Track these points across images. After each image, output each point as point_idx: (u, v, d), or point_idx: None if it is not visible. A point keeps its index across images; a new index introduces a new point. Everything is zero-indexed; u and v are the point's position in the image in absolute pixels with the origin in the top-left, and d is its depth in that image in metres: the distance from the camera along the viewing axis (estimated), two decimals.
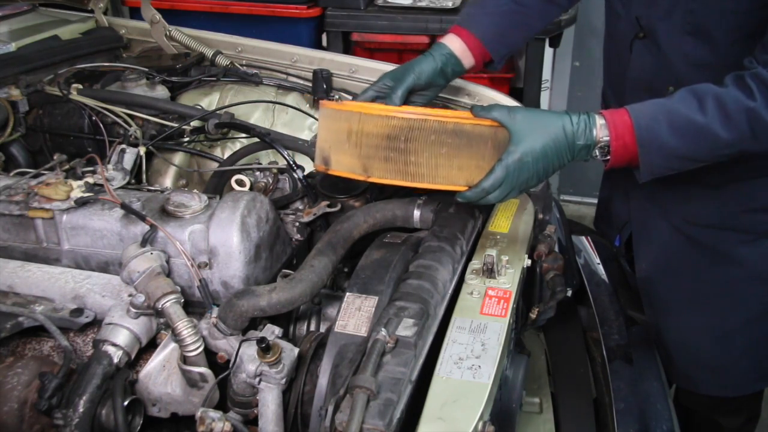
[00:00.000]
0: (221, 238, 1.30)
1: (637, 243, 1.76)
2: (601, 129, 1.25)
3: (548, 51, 3.61)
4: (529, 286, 1.51)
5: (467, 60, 1.57)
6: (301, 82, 2.06)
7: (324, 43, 3.25)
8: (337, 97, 2.00)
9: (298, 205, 1.60)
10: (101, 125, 1.79)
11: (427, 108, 1.37)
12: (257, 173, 1.63)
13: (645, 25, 1.47)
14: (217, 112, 1.80)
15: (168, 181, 1.83)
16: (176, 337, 1.19)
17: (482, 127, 1.26)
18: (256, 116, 1.92)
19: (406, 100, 1.53)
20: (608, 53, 1.72)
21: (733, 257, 1.58)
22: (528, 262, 1.36)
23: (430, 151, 1.26)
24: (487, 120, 1.25)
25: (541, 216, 1.57)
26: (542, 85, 3.50)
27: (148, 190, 1.52)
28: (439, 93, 1.62)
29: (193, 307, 1.30)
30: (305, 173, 1.60)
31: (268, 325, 1.21)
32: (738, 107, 1.21)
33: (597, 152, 1.27)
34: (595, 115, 1.27)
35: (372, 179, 1.31)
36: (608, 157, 1.27)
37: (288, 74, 2.09)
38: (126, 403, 1.13)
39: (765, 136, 1.24)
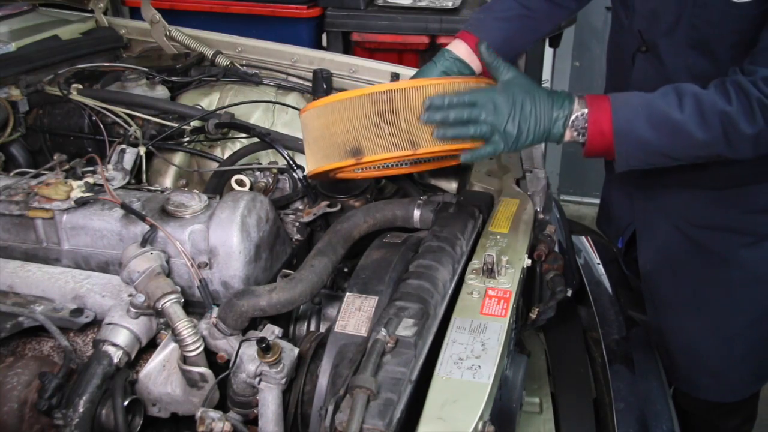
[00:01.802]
0: (221, 238, 1.30)
1: (640, 244, 1.77)
2: (579, 105, 1.29)
3: (548, 51, 3.62)
4: (529, 286, 1.51)
5: (474, 64, 1.57)
6: (301, 82, 2.07)
7: (324, 43, 3.25)
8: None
9: (298, 205, 1.60)
10: (101, 125, 1.79)
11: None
12: (257, 173, 1.64)
13: (647, 40, 1.47)
14: (217, 112, 1.80)
15: (168, 181, 1.83)
16: (176, 337, 1.19)
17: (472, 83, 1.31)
18: (256, 116, 1.92)
19: None
20: (611, 61, 1.72)
21: (735, 259, 1.58)
22: (528, 262, 1.35)
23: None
24: (483, 79, 1.32)
25: (541, 216, 1.57)
26: (542, 85, 3.50)
27: (148, 190, 1.52)
28: None
29: (193, 307, 1.30)
30: (305, 173, 1.60)
31: (268, 325, 1.21)
32: (714, 110, 1.23)
33: (574, 133, 1.29)
34: (576, 95, 1.31)
35: (366, 159, 1.29)
36: (584, 140, 1.29)
37: (288, 74, 2.10)
38: (126, 403, 1.13)
39: (738, 142, 1.25)
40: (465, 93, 1.26)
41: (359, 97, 1.28)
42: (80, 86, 1.87)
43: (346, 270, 1.52)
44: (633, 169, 1.32)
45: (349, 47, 3.22)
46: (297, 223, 1.57)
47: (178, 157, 1.84)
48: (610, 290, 1.94)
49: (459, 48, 1.56)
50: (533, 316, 1.45)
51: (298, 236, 1.57)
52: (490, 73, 1.31)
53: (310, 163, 1.40)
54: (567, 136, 1.30)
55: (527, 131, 1.27)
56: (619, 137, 1.27)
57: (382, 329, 1.07)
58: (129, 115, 1.79)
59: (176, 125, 1.78)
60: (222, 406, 1.20)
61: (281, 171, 1.63)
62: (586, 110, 1.28)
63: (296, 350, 1.18)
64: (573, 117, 1.28)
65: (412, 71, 1.98)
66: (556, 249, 1.54)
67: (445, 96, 1.25)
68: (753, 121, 1.22)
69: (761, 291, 1.61)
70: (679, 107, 1.25)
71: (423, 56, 3.22)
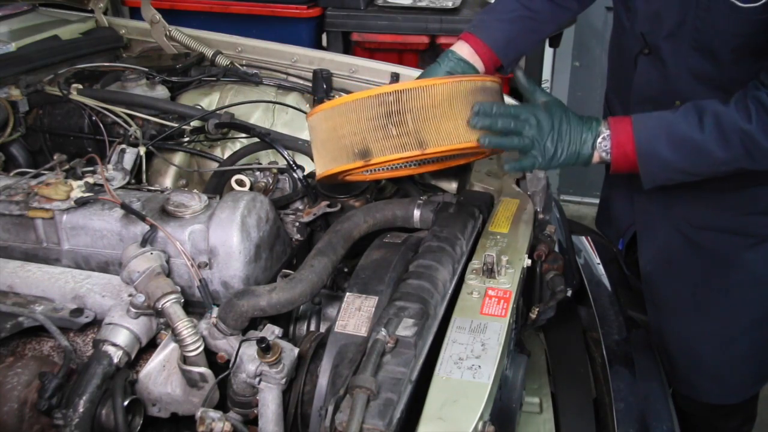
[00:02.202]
0: (221, 238, 1.30)
1: (640, 245, 1.77)
2: (604, 128, 1.33)
3: (548, 51, 3.61)
4: (529, 286, 1.51)
5: (478, 65, 1.57)
6: (301, 82, 2.07)
7: (324, 43, 3.25)
8: (336, 96, 2.00)
9: (298, 205, 1.60)
10: (101, 125, 1.79)
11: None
12: (257, 173, 1.63)
13: (650, 42, 1.47)
14: (217, 112, 1.80)
15: (168, 181, 1.83)
16: (176, 337, 1.19)
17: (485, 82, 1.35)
18: (256, 116, 1.92)
19: None
20: (613, 63, 1.72)
21: (736, 261, 1.58)
22: (528, 262, 1.35)
23: (434, 112, 1.29)
24: (489, 78, 1.36)
25: (541, 216, 1.57)
26: (542, 85, 3.49)
27: (148, 190, 1.52)
28: None
29: (193, 307, 1.30)
30: (305, 173, 1.60)
31: (268, 325, 1.21)
32: (734, 128, 1.25)
33: (603, 153, 1.34)
34: (602, 120, 1.35)
35: (374, 161, 1.30)
36: (609, 161, 1.33)
37: (288, 74, 2.10)
38: (126, 403, 1.13)
39: (761, 157, 1.27)
40: (511, 106, 1.30)
41: (366, 98, 1.28)
42: (80, 86, 1.87)
43: (346, 270, 1.52)
44: (660, 185, 1.37)
45: (349, 47, 3.22)
46: (297, 223, 1.57)
47: (178, 157, 1.84)
48: (610, 290, 1.94)
49: (462, 49, 1.56)
50: (533, 316, 1.45)
51: (298, 236, 1.57)
52: (527, 97, 1.36)
53: (319, 166, 1.40)
54: (595, 158, 1.35)
55: (562, 150, 1.32)
56: (642, 158, 1.31)
57: (382, 329, 1.07)
58: (129, 115, 1.79)
59: (176, 125, 1.78)
60: (222, 406, 1.20)
61: (281, 171, 1.63)
62: (608, 132, 1.33)
63: (296, 350, 1.18)
64: (600, 138, 1.33)
65: (412, 71, 1.98)
66: (556, 249, 1.54)
67: (493, 104, 1.29)
68: None
69: (762, 293, 1.61)
70: (700, 127, 1.27)
71: (423, 56, 3.22)
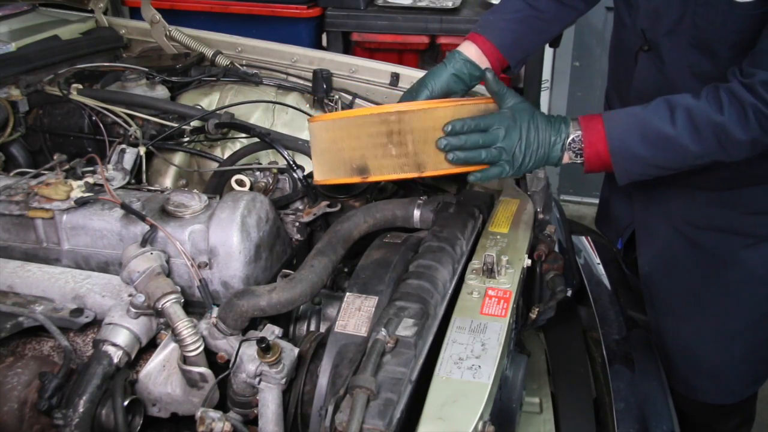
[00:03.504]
0: (221, 238, 1.30)
1: (640, 245, 1.77)
2: (573, 128, 1.33)
3: (548, 51, 3.61)
4: (529, 286, 1.51)
5: (484, 65, 1.57)
6: (301, 82, 2.07)
7: (324, 43, 3.25)
8: (336, 96, 2.00)
9: (298, 205, 1.60)
10: (101, 125, 1.79)
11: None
12: (257, 173, 1.64)
13: (650, 39, 1.47)
14: (217, 112, 1.80)
15: (168, 181, 1.83)
16: (176, 337, 1.19)
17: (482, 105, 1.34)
18: (256, 116, 1.92)
19: None
20: (614, 60, 1.72)
21: (735, 261, 1.58)
22: (528, 262, 1.35)
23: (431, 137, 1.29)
24: (491, 100, 1.36)
25: (541, 216, 1.57)
26: (542, 85, 3.50)
27: (148, 190, 1.52)
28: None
29: (193, 307, 1.30)
30: (305, 173, 1.60)
31: (268, 325, 1.21)
32: (706, 121, 1.25)
33: (572, 154, 1.33)
34: (570, 118, 1.34)
35: (371, 178, 1.31)
36: (581, 160, 1.33)
37: (288, 74, 2.10)
38: (126, 403, 1.13)
39: (733, 149, 1.27)
40: (479, 118, 1.29)
41: (368, 116, 1.29)
42: (80, 86, 1.87)
43: (346, 270, 1.52)
44: (634, 181, 1.36)
45: (349, 47, 3.22)
46: (297, 223, 1.57)
47: (178, 157, 1.84)
48: (610, 290, 1.94)
49: (469, 49, 1.56)
50: (533, 316, 1.45)
51: (298, 236, 1.57)
52: (495, 99, 1.34)
53: (317, 172, 1.41)
54: (565, 159, 1.34)
55: (530, 157, 1.32)
56: (615, 156, 1.31)
57: (382, 329, 1.07)
58: (129, 115, 1.79)
59: (176, 125, 1.78)
60: (222, 406, 1.20)
61: (281, 171, 1.63)
62: (580, 133, 1.32)
63: (296, 350, 1.18)
64: (569, 140, 1.32)
65: (412, 71, 1.98)
66: (556, 249, 1.54)
67: (464, 121, 1.28)
68: (747, 128, 1.24)
69: (761, 292, 1.61)
70: (671, 121, 1.27)
71: (423, 56, 3.22)
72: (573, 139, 1.32)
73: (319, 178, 1.40)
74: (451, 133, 1.27)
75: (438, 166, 1.30)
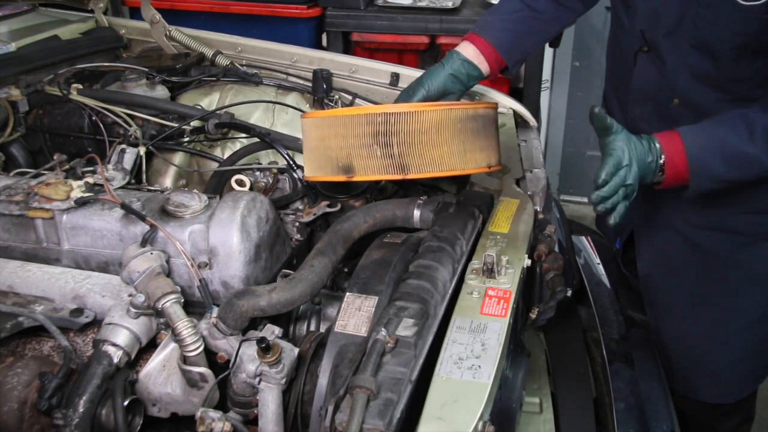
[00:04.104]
0: (221, 238, 1.30)
1: (638, 244, 1.77)
2: (659, 150, 1.33)
3: (548, 51, 3.61)
4: (529, 286, 1.51)
5: (482, 66, 1.57)
6: (301, 82, 2.07)
7: (324, 43, 3.25)
8: (336, 96, 2.00)
9: (298, 205, 1.60)
10: (101, 125, 1.79)
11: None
12: (257, 173, 1.63)
13: (649, 39, 1.47)
14: (217, 112, 1.80)
15: (168, 181, 1.83)
16: (176, 337, 1.19)
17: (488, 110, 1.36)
18: (256, 116, 1.92)
19: None
20: (612, 60, 1.72)
21: (733, 260, 1.58)
22: (528, 262, 1.35)
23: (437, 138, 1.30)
24: (481, 104, 1.37)
25: (541, 216, 1.57)
26: (542, 85, 3.50)
27: (148, 190, 1.52)
28: (458, 100, 1.61)
29: (193, 307, 1.30)
30: (303, 174, 1.60)
31: (268, 325, 1.21)
32: None
33: (660, 174, 1.35)
34: (655, 141, 1.33)
35: (356, 178, 1.32)
36: (661, 180, 1.35)
37: (288, 74, 2.09)
38: (126, 403, 1.13)
39: None
40: (612, 159, 1.28)
41: (355, 115, 1.30)
42: (80, 86, 1.87)
43: (346, 270, 1.52)
44: (702, 194, 1.38)
45: (349, 47, 3.22)
46: (297, 223, 1.57)
47: (178, 157, 1.84)
48: (610, 290, 1.94)
49: (467, 50, 1.56)
50: (533, 316, 1.45)
51: (298, 236, 1.57)
52: (602, 133, 1.33)
53: (307, 168, 1.44)
54: (654, 180, 1.35)
55: (641, 182, 1.33)
56: (694, 175, 1.33)
57: (382, 329, 1.07)
58: (129, 115, 1.79)
59: (176, 125, 1.78)
60: (222, 406, 1.20)
61: (281, 171, 1.63)
62: (664, 154, 1.33)
63: (296, 350, 1.18)
64: (661, 162, 1.33)
65: (412, 71, 1.98)
66: (556, 249, 1.54)
67: (605, 169, 1.28)
68: None
69: (759, 291, 1.61)
70: (751, 140, 1.29)
71: (423, 56, 3.22)
72: (661, 161, 1.32)
73: (308, 174, 1.42)
74: (599, 185, 1.28)
75: (422, 169, 1.31)
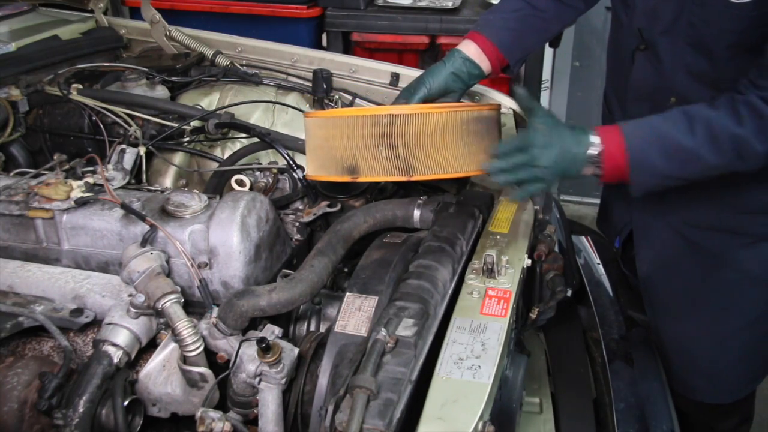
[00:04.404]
0: (221, 238, 1.30)
1: (637, 244, 1.77)
2: (593, 140, 1.31)
3: (548, 51, 3.62)
4: (529, 286, 1.51)
5: (484, 64, 1.57)
6: (301, 82, 2.07)
7: (324, 43, 3.25)
8: (336, 96, 2.00)
9: (298, 205, 1.60)
10: (101, 125, 1.79)
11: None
12: (257, 173, 1.63)
13: (647, 38, 1.47)
14: (217, 112, 1.80)
15: (168, 181, 1.83)
16: (176, 337, 1.19)
17: (487, 113, 1.36)
18: (256, 116, 1.92)
19: None
20: (611, 60, 1.72)
21: (731, 260, 1.58)
22: (528, 262, 1.35)
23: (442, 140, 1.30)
24: (486, 106, 1.37)
25: (541, 216, 1.57)
26: (542, 85, 3.50)
27: (148, 190, 1.52)
28: (459, 98, 1.61)
29: (193, 307, 1.30)
30: (305, 173, 1.60)
31: (268, 325, 1.21)
32: (726, 133, 1.26)
33: (591, 166, 1.32)
34: (591, 133, 1.32)
35: (361, 179, 1.32)
36: (600, 173, 1.32)
37: (288, 74, 2.09)
38: (126, 403, 1.13)
39: (752, 160, 1.28)
40: (520, 137, 1.31)
41: (361, 116, 1.30)
42: (80, 86, 1.87)
43: (346, 270, 1.52)
44: (648, 192, 1.37)
45: (349, 47, 3.22)
46: (297, 223, 1.57)
47: (178, 157, 1.84)
48: (610, 290, 1.94)
49: (469, 48, 1.56)
50: (533, 316, 1.45)
51: (298, 236, 1.57)
52: (527, 116, 1.34)
53: (309, 167, 1.43)
54: (587, 172, 1.33)
55: (560, 170, 1.31)
56: (635, 169, 1.31)
57: (382, 329, 1.07)
58: (129, 115, 1.79)
59: (176, 125, 1.78)
60: (222, 406, 1.20)
61: (281, 171, 1.63)
62: (600, 147, 1.31)
63: (296, 350, 1.18)
64: (589, 152, 1.31)
65: (412, 71, 1.98)
66: (556, 249, 1.54)
67: (508, 143, 1.30)
68: (766, 139, 1.24)
69: (757, 292, 1.61)
70: (691, 133, 1.27)
71: (423, 56, 3.22)
72: (596, 151, 1.31)
73: (311, 173, 1.42)
74: (497, 155, 1.29)
75: (427, 171, 1.31)
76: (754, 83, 1.26)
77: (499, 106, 1.44)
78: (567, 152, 1.30)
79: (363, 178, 1.33)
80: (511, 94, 1.94)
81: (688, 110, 1.30)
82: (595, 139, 1.31)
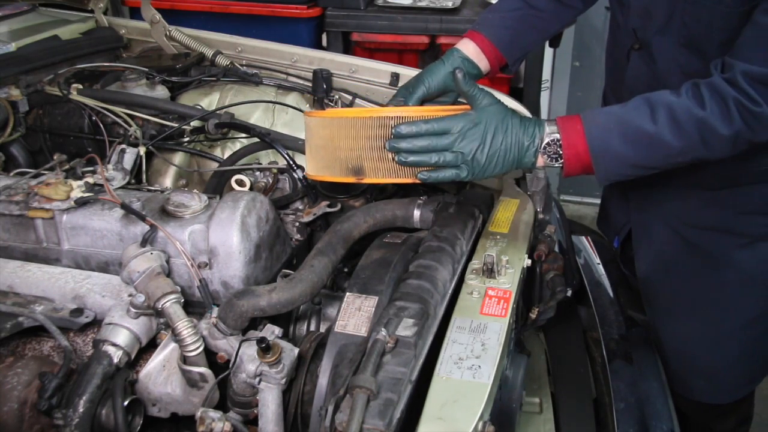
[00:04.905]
0: (221, 238, 1.30)
1: (636, 245, 1.77)
2: (550, 130, 1.28)
3: (548, 51, 3.62)
4: (529, 286, 1.51)
5: (482, 63, 1.56)
6: (301, 82, 2.07)
7: (324, 43, 3.26)
8: (336, 96, 2.00)
9: (298, 205, 1.60)
10: (101, 125, 1.79)
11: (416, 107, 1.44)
12: (257, 173, 1.64)
13: (641, 37, 1.47)
14: (217, 112, 1.80)
15: (168, 181, 1.83)
16: (176, 337, 1.19)
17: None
18: (256, 116, 1.92)
19: None
20: (609, 59, 1.73)
21: (729, 261, 1.58)
22: (528, 262, 1.36)
23: None
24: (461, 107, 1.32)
25: (541, 216, 1.57)
26: (542, 85, 3.50)
27: (148, 190, 1.52)
28: (458, 98, 1.61)
29: (193, 307, 1.30)
30: (305, 173, 1.60)
31: (268, 325, 1.21)
32: (688, 117, 1.23)
33: (547, 158, 1.29)
34: (546, 121, 1.30)
35: (366, 180, 1.32)
36: (560, 164, 1.29)
37: (288, 74, 2.10)
38: (126, 403, 1.13)
39: (716, 145, 1.25)
40: (433, 121, 1.26)
41: (367, 118, 1.29)
42: (80, 86, 1.87)
43: (346, 270, 1.52)
44: (614, 181, 1.34)
45: (349, 47, 3.22)
46: (297, 223, 1.57)
47: (178, 157, 1.84)
48: (610, 290, 1.94)
49: (468, 47, 1.56)
50: (533, 316, 1.45)
51: (298, 236, 1.57)
52: (466, 100, 1.31)
53: (311, 166, 1.41)
54: (539, 162, 1.30)
55: (496, 160, 1.27)
56: (596, 157, 1.28)
57: (382, 329, 1.07)
58: (129, 115, 1.79)
59: (176, 125, 1.78)
60: (222, 406, 1.20)
61: (281, 171, 1.63)
62: (558, 135, 1.28)
63: (296, 350, 1.18)
64: (545, 143, 1.28)
65: (412, 71, 1.98)
66: (556, 249, 1.54)
67: (415, 124, 1.25)
68: (730, 122, 1.22)
69: (755, 292, 1.61)
70: (652, 119, 1.25)
71: (423, 56, 3.22)
72: (549, 142, 1.28)
73: (312, 173, 1.41)
74: (398, 136, 1.25)
75: (378, 176, 1.30)
76: (726, 63, 1.24)
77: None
78: (514, 142, 1.27)
79: (368, 180, 1.32)
80: (510, 93, 1.94)
81: (649, 97, 1.28)
82: (551, 128, 1.28)
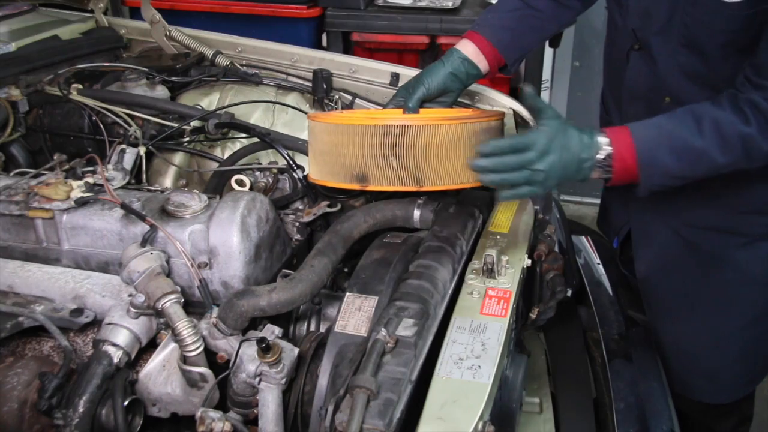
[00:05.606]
0: (221, 238, 1.30)
1: (636, 245, 1.77)
2: (601, 143, 1.30)
3: (548, 51, 3.61)
4: (529, 286, 1.51)
5: (482, 64, 1.57)
6: (301, 82, 2.07)
7: (324, 43, 3.25)
8: (336, 96, 2.00)
9: (298, 205, 1.60)
10: (101, 125, 1.79)
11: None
12: (257, 173, 1.63)
13: (641, 38, 1.47)
14: (217, 112, 1.80)
15: (168, 181, 1.83)
16: (176, 337, 1.19)
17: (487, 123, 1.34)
18: (256, 116, 1.92)
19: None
20: (607, 60, 1.73)
21: (729, 260, 1.58)
22: (528, 262, 1.36)
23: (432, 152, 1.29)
24: (495, 116, 1.35)
25: (541, 216, 1.57)
26: (542, 85, 3.50)
27: (148, 190, 1.52)
28: (457, 98, 1.61)
29: (193, 307, 1.30)
30: (305, 173, 1.60)
31: (268, 325, 1.21)
32: (734, 132, 1.26)
33: (600, 170, 1.31)
34: (599, 136, 1.30)
35: (370, 187, 1.32)
36: (609, 176, 1.31)
37: (288, 74, 2.09)
38: (126, 403, 1.13)
39: (759, 159, 1.29)
40: (515, 139, 1.28)
41: (372, 126, 1.30)
42: (80, 86, 1.87)
43: (346, 270, 1.52)
44: (654, 191, 1.36)
45: (349, 47, 3.22)
46: (297, 223, 1.57)
47: (178, 157, 1.84)
48: (610, 290, 1.94)
49: (467, 48, 1.56)
50: (533, 316, 1.45)
51: (298, 236, 1.57)
52: (537, 114, 1.31)
53: (314, 170, 1.42)
54: (594, 175, 1.32)
55: (561, 174, 1.28)
56: (644, 170, 1.30)
57: (382, 329, 1.07)
58: (129, 115, 1.79)
59: (176, 125, 1.78)
60: (222, 406, 1.20)
61: (281, 171, 1.63)
62: (611, 149, 1.29)
63: (296, 350, 1.18)
64: (598, 156, 1.29)
65: (412, 71, 1.98)
66: (556, 249, 1.54)
67: (498, 143, 1.26)
68: None
69: (755, 292, 1.61)
70: (699, 133, 1.27)
71: (423, 56, 3.22)
72: (605, 155, 1.29)
73: (316, 178, 1.41)
74: (483, 155, 1.26)
75: (437, 182, 1.31)
76: (752, 82, 1.25)
77: (503, 114, 1.45)
78: (573, 157, 1.27)
79: (372, 187, 1.32)
80: (510, 93, 1.94)
81: (694, 109, 1.29)
82: (604, 141, 1.29)
